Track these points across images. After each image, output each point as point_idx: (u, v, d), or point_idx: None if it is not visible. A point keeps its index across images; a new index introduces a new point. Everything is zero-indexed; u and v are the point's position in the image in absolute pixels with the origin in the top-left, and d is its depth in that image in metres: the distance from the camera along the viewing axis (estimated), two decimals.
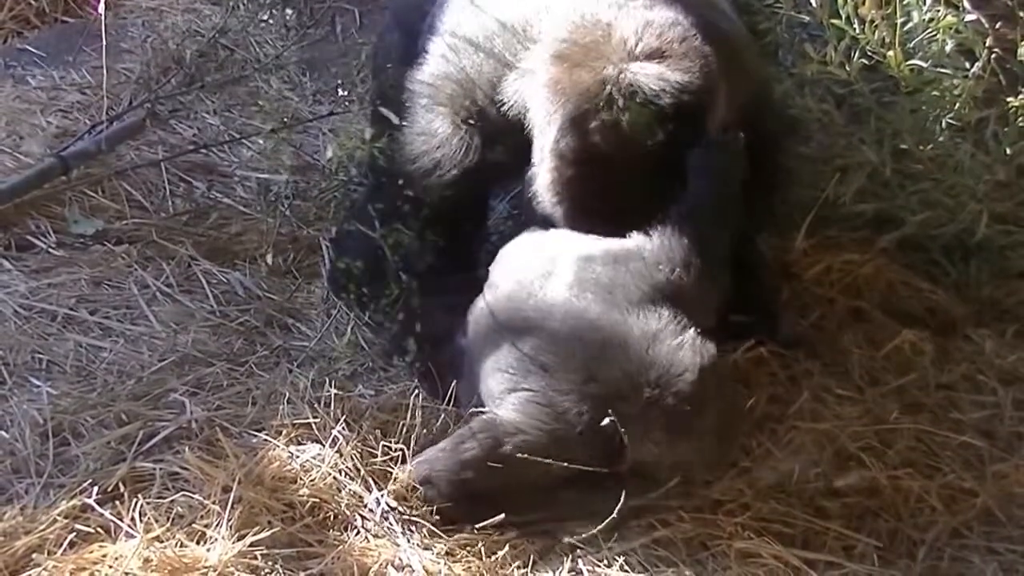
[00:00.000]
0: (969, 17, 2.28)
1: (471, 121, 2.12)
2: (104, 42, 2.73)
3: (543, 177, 2.00)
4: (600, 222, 1.94)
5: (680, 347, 1.81)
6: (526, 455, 1.80)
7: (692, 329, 1.83)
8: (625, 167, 1.93)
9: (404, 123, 2.19)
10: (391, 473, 1.91)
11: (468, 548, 1.85)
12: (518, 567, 1.83)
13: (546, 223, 2.02)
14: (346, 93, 2.94)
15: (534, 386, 1.83)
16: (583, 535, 1.86)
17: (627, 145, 1.91)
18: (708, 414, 1.83)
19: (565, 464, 1.80)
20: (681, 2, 2.04)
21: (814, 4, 2.31)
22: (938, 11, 2.29)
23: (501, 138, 2.10)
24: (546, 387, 1.82)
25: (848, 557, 1.92)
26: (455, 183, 2.13)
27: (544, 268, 1.92)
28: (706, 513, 1.94)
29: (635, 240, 1.91)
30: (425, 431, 1.98)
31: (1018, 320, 2.41)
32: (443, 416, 2.01)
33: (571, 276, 1.88)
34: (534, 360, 1.84)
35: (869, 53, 2.27)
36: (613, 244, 1.92)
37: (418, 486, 1.89)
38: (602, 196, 1.96)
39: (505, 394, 1.86)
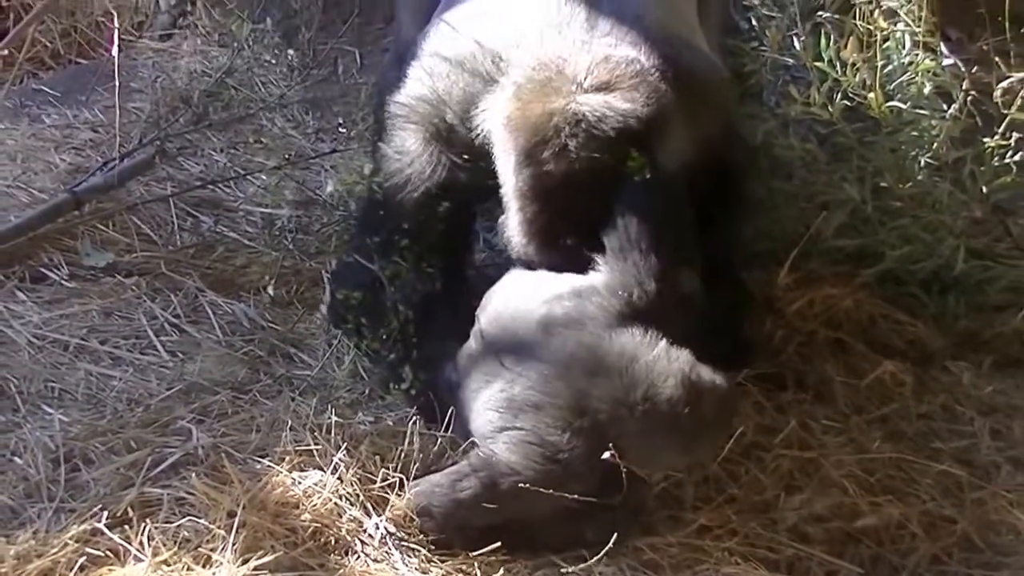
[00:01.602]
0: (947, 61, 2.37)
1: (441, 140, 2.15)
2: (116, 82, 2.77)
3: (512, 220, 2.03)
4: (569, 255, 1.96)
5: (656, 359, 1.83)
6: (522, 496, 1.82)
7: (663, 340, 1.86)
8: (580, 197, 1.95)
9: (381, 143, 2.22)
10: (389, 499, 1.94)
11: (464, 572, 1.87)
12: None
13: (525, 265, 2.03)
14: (347, 131, 3.00)
15: (526, 425, 1.84)
16: (574, 560, 1.88)
17: (578, 174, 1.94)
18: (705, 405, 1.84)
19: (560, 496, 1.81)
20: (648, 41, 2.08)
21: (798, 47, 2.38)
22: (917, 55, 2.38)
23: (471, 158, 2.12)
24: (538, 426, 1.83)
25: None
26: (427, 200, 2.15)
27: (521, 309, 1.95)
28: (693, 538, 1.97)
29: (592, 273, 1.94)
30: (422, 456, 2.00)
31: (994, 352, 2.45)
32: (440, 442, 2.04)
33: (544, 314, 1.90)
34: (524, 400, 1.85)
35: (851, 95, 2.34)
36: (576, 280, 1.94)
37: (415, 517, 1.91)
38: (565, 229, 1.97)
39: (497, 432, 1.87)
